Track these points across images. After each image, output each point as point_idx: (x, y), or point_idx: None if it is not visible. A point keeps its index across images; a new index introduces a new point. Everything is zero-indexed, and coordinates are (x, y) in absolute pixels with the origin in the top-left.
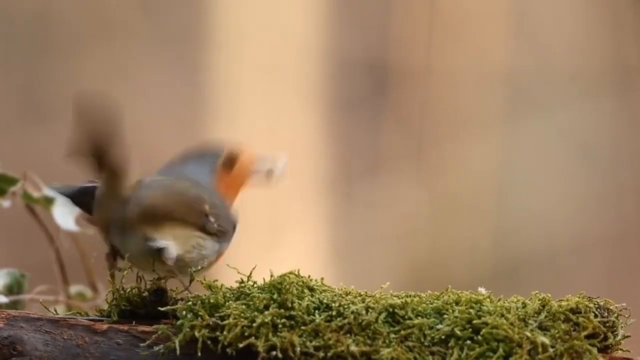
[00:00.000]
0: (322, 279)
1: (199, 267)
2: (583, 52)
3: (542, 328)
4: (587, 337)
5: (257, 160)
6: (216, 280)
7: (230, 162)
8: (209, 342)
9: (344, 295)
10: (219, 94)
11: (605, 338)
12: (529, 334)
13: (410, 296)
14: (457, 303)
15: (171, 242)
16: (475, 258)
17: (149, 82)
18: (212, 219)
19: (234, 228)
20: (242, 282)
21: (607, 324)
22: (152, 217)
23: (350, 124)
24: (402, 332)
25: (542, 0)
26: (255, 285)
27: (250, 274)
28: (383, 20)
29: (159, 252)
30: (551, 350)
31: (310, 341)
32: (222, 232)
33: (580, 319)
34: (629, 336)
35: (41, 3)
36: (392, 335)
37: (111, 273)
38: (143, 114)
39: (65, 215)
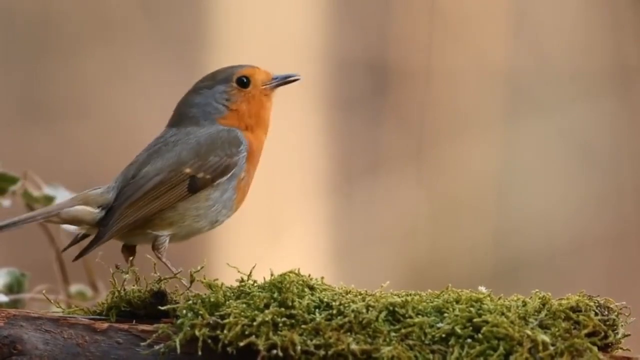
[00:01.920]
0: (322, 278)
1: (230, 210)
2: (583, 52)
3: (543, 326)
4: (588, 335)
5: (270, 76)
6: (216, 279)
7: (246, 80)
8: (209, 341)
9: (344, 294)
10: None
11: (606, 336)
12: (529, 332)
13: (410, 295)
14: (457, 302)
15: (163, 233)
16: (475, 258)
17: (149, 82)
18: (199, 175)
19: (238, 151)
20: (242, 281)
21: (608, 322)
22: (132, 226)
23: (350, 124)
24: (403, 331)
25: (542, 0)
26: (255, 284)
27: (251, 273)
28: (383, 20)
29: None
30: (552, 348)
31: (311, 340)
32: (220, 172)
33: (581, 317)
34: (629, 335)
35: (41, 3)
36: (393, 334)
37: (113, 273)
38: (143, 114)
39: None
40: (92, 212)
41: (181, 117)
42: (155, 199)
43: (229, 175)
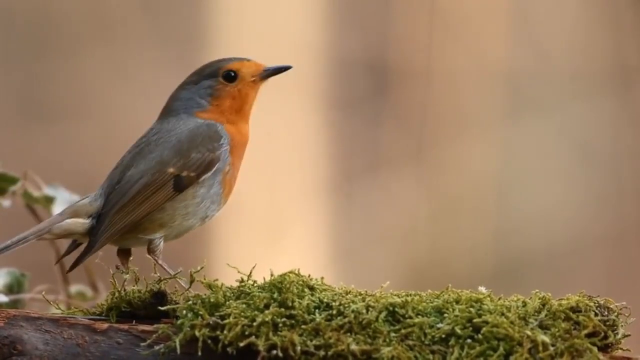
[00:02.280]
0: (322, 278)
1: (219, 205)
2: (583, 52)
3: (543, 327)
4: (588, 335)
5: (261, 68)
6: (216, 280)
7: (233, 74)
8: (209, 341)
9: (344, 295)
10: None
11: (606, 337)
12: (529, 333)
13: (410, 295)
14: (457, 302)
15: (155, 235)
16: (475, 258)
17: (149, 82)
18: (184, 173)
19: (219, 145)
20: (242, 281)
21: (608, 323)
22: (121, 230)
23: (350, 124)
24: (403, 331)
25: (542, 0)
26: (255, 285)
27: (251, 273)
28: (383, 21)
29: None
30: (552, 348)
31: (311, 340)
32: (204, 168)
33: (581, 318)
34: (629, 335)
35: (41, 3)
36: (393, 334)
37: (113, 273)
38: (143, 114)
39: None
40: (83, 222)
41: (167, 110)
42: (142, 202)
43: (213, 170)
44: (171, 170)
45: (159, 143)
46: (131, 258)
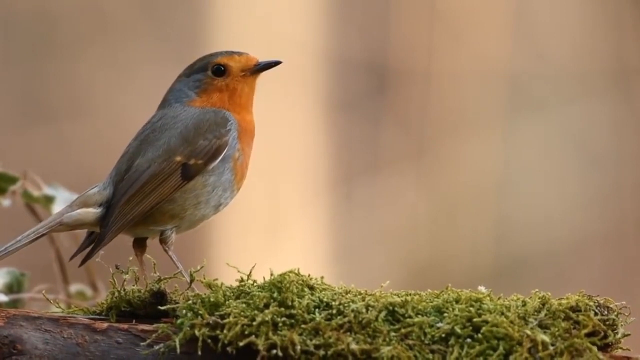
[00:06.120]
0: (322, 277)
1: (232, 192)
2: (583, 53)
3: (542, 326)
4: (587, 335)
5: (252, 62)
6: (216, 279)
7: (223, 69)
8: (209, 340)
9: (344, 294)
10: None
11: (605, 336)
12: (529, 332)
13: (410, 294)
14: (457, 301)
15: (166, 226)
16: (475, 257)
17: (148, 82)
18: (191, 162)
19: (226, 131)
20: (242, 280)
21: (607, 322)
22: (132, 222)
23: (350, 124)
24: (402, 331)
25: (542, 0)
26: (255, 284)
27: (250, 272)
28: (383, 21)
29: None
30: (551, 348)
31: (311, 339)
32: (212, 155)
33: (581, 317)
34: (629, 334)
35: (41, 3)
36: (393, 334)
37: (113, 273)
38: (143, 114)
39: None
40: (94, 212)
41: (163, 100)
42: (150, 192)
43: (221, 157)
44: (178, 158)
45: (164, 129)
46: (142, 256)
